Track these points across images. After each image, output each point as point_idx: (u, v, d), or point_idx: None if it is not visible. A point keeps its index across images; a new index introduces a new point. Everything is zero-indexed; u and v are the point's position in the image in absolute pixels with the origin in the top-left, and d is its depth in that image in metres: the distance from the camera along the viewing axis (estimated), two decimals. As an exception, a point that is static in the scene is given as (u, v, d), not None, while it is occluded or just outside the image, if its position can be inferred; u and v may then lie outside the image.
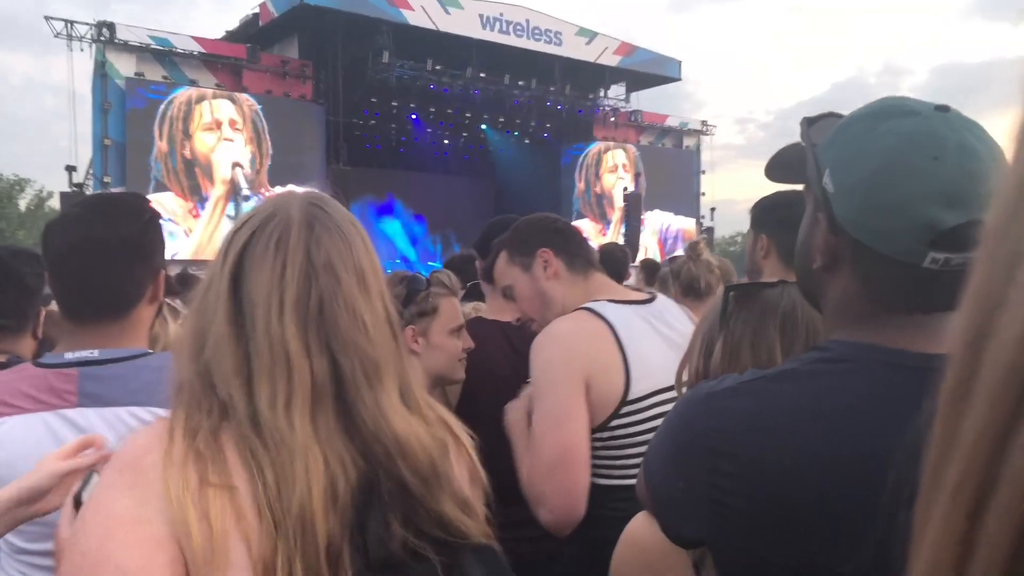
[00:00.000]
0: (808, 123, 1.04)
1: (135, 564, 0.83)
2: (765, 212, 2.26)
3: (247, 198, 14.56)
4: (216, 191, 14.47)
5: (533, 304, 2.09)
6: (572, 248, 2.10)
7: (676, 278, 3.27)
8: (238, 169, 14.70)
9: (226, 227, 14.41)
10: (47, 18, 14.02)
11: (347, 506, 0.93)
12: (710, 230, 22.61)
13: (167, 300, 1.95)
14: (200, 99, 14.62)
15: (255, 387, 0.94)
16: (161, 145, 14.14)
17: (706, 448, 0.91)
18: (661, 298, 2.09)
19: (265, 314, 0.96)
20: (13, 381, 1.45)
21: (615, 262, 4.45)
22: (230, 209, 14.61)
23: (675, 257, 4.79)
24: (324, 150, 16.25)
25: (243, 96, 15.12)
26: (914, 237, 0.84)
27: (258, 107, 15.21)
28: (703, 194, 23.18)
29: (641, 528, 1.24)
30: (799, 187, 1.38)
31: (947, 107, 0.91)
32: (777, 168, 1.17)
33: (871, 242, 0.87)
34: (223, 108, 14.80)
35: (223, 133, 14.69)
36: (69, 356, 1.47)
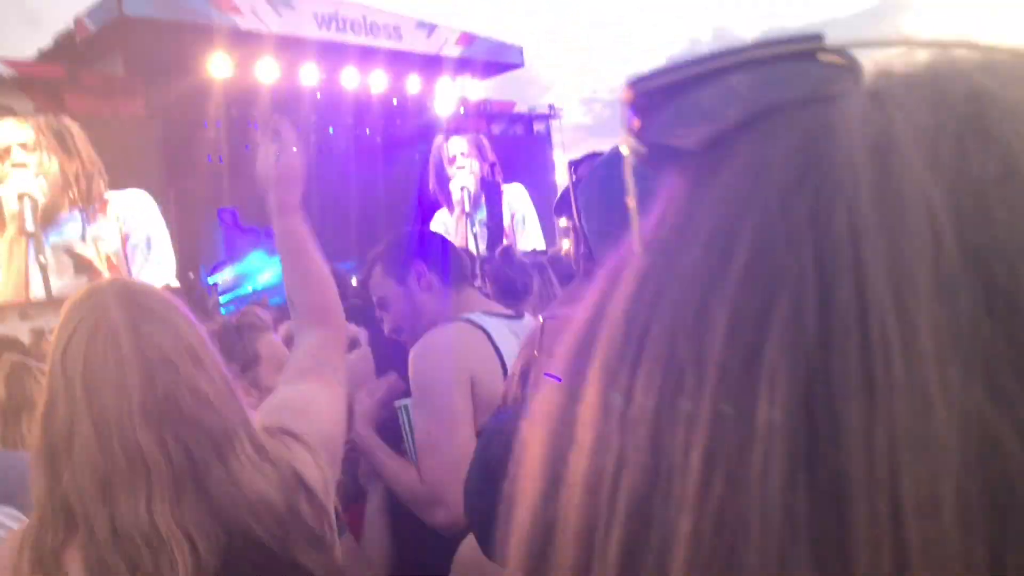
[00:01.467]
0: (573, 166, 1.12)
1: None
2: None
3: (33, 234, 12.93)
4: (8, 232, 12.89)
5: (405, 316, 2.16)
6: (445, 262, 2.18)
7: (494, 281, 3.19)
8: (26, 200, 13.00)
9: (29, 270, 13.03)
10: None
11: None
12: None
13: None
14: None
15: (115, 493, 0.99)
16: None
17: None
18: (528, 317, 2.18)
19: (118, 422, 1.02)
20: None
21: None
22: (30, 249, 12.93)
23: (488, 259, 4.71)
24: (164, 166, 15.47)
25: (40, 116, 13.80)
26: None
27: (67, 121, 13.91)
28: (558, 178, 23.61)
29: (469, 549, 1.32)
30: None
31: None
32: (560, 206, 1.28)
33: None
34: (9, 132, 13.18)
35: (13, 159, 12.98)
36: None
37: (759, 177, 0.27)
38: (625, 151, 0.33)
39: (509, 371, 1.52)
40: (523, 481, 0.32)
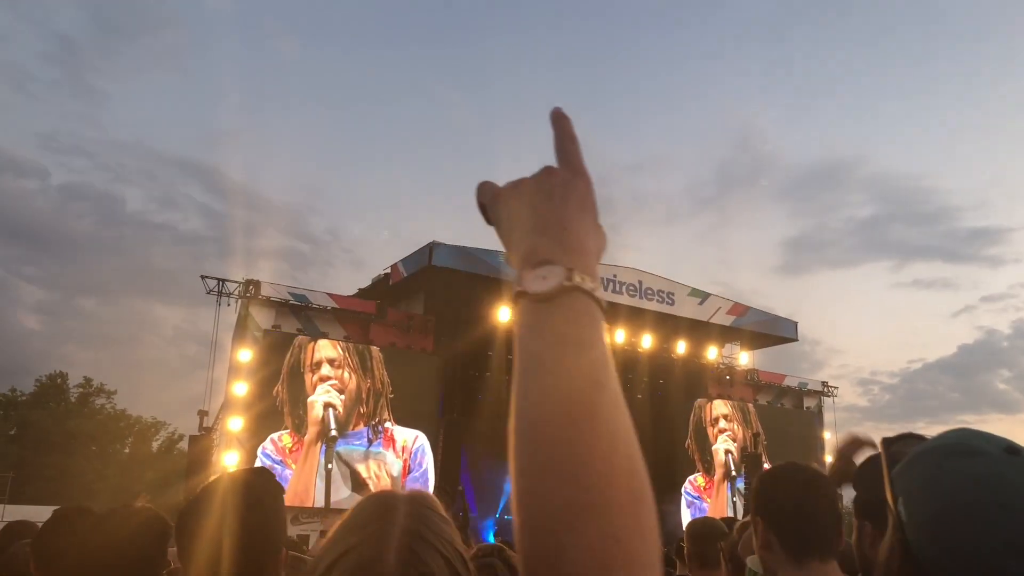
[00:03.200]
0: (887, 444, 1.05)
1: None
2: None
3: (334, 439, 14.90)
4: (310, 434, 14.83)
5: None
6: (792, 525, 1.78)
7: (730, 560, 2.83)
8: (330, 410, 15.05)
9: (317, 474, 14.76)
10: (203, 277, 15.57)
11: None
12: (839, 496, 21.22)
13: None
14: (308, 341, 15.44)
15: None
16: (280, 387, 14.90)
17: None
18: None
19: None
20: None
21: (705, 540, 3.35)
22: (321, 456, 14.88)
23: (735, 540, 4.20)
24: (441, 398, 16.69)
25: (341, 341, 15.88)
26: None
27: (374, 348, 15.91)
28: (827, 458, 22.09)
29: None
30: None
31: (1019, 449, 0.90)
32: (862, 481, 1.21)
33: None
34: (324, 350, 15.50)
35: (321, 372, 15.28)
36: None
37: None
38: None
39: None
40: None
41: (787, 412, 22.24)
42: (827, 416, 23.03)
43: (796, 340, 21.47)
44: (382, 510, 1.00)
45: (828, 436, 22.59)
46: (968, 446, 0.91)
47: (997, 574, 0.80)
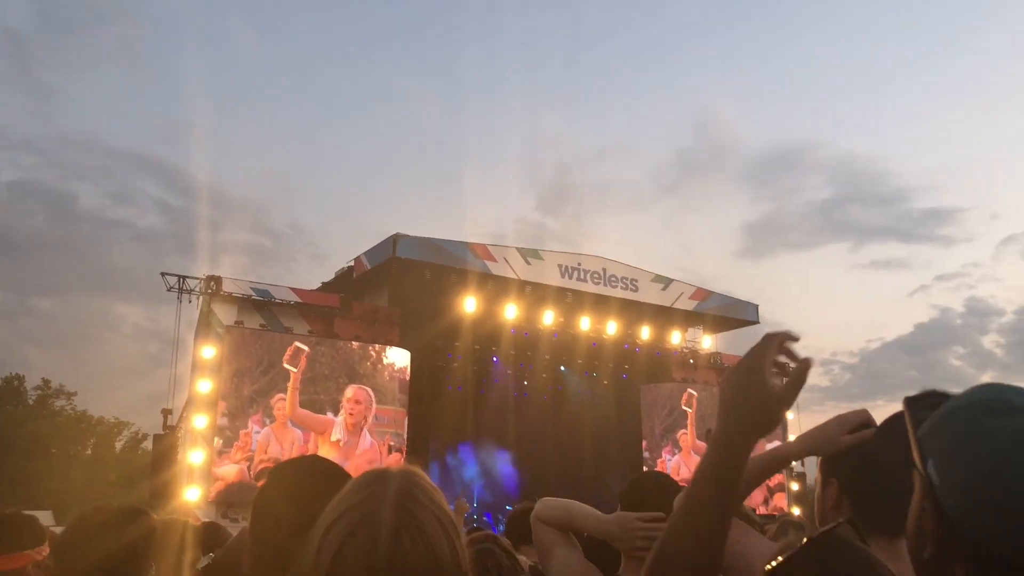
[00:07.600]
0: (911, 403, 0.99)
1: None
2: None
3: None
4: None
5: None
6: (869, 493, 1.63)
7: None
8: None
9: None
10: (163, 274, 15.33)
11: None
12: (801, 475, 21.65)
13: None
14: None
15: None
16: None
17: None
18: None
19: None
20: None
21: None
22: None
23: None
24: (408, 390, 16.67)
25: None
26: None
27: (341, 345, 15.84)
28: (790, 438, 22.46)
29: None
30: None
31: None
32: (883, 441, 1.17)
33: (990, 543, 0.82)
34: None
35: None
36: None
37: None
38: None
39: None
40: None
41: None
42: (789, 397, 23.40)
43: (758, 323, 21.75)
44: (375, 477, 1.09)
45: (791, 416, 22.98)
46: (1008, 403, 0.86)
47: None
